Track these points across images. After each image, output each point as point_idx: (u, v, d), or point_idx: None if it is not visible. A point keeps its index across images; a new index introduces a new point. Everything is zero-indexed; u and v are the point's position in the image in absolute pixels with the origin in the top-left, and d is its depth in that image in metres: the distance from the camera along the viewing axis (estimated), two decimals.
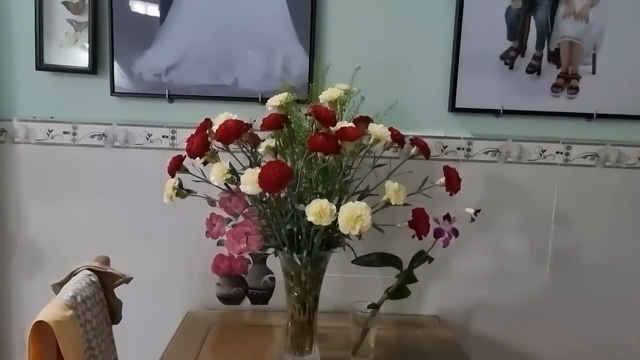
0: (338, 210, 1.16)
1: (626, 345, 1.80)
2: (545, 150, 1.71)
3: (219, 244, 1.70)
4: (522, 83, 1.66)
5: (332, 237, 1.31)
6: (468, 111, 1.68)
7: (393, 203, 1.25)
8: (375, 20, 1.66)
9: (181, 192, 1.33)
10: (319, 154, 1.19)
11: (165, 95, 1.65)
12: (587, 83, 1.67)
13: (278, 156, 1.31)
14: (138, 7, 1.64)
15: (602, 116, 1.68)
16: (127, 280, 1.33)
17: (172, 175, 1.33)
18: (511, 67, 1.65)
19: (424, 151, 1.37)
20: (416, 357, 1.53)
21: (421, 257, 1.40)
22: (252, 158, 1.32)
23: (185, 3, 1.64)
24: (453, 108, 1.66)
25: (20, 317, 1.76)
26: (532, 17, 1.64)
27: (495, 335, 1.78)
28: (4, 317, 1.76)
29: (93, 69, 1.64)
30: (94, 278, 1.28)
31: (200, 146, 1.22)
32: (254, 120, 1.33)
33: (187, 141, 1.26)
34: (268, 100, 1.30)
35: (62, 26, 1.63)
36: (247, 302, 1.77)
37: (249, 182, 1.16)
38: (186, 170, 1.33)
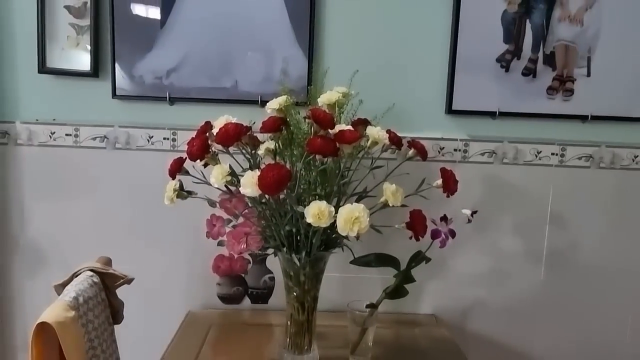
0: (336, 211, 1.16)
1: (620, 344, 1.80)
2: (540, 151, 1.71)
3: (219, 244, 1.69)
4: (518, 85, 1.66)
5: (330, 238, 1.31)
6: (465, 113, 1.68)
7: (391, 204, 1.25)
8: (373, 24, 1.66)
9: (182, 193, 1.33)
10: (317, 156, 1.19)
11: (166, 97, 1.65)
12: (581, 85, 1.67)
13: (277, 158, 1.31)
14: (139, 11, 1.63)
15: (596, 118, 1.68)
16: (129, 281, 1.33)
17: (173, 177, 1.33)
18: (507, 70, 1.65)
19: (422, 153, 1.37)
20: (414, 355, 1.53)
21: (419, 258, 1.40)
22: (251, 160, 1.32)
23: (185, 7, 1.63)
24: (450, 110, 1.66)
25: (23, 317, 1.76)
26: (527, 21, 1.64)
27: (492, 333, 1.78)
28: (7, 317, 1.76)
29: (95, 72, 1.64)
30: (95, 279, 1.28)
31: (200, 149, 1.22)
32: (254, 123, 1.33)
33: (187, 144, 1.25)
34: (267, 104, 1.30)
35: (64, 30, 1.63)
36: (247, 301, 1.77)
37: (249, 185, 1.16)
38: (187, 172, 1.33)
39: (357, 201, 1.34)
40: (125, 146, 1.69)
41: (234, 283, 1.76)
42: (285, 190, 1.18)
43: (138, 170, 1.69)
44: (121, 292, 1.38)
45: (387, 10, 1.65)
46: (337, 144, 1.17)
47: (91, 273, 1.29)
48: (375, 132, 1.25)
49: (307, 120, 1.28)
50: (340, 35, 1.66)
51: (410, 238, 1.29)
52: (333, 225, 1.16)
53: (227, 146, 1.23)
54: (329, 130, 1.19)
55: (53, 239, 1.72)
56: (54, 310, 1.10)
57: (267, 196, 1.21)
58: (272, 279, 1.76)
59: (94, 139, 1.69)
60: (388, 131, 1.30)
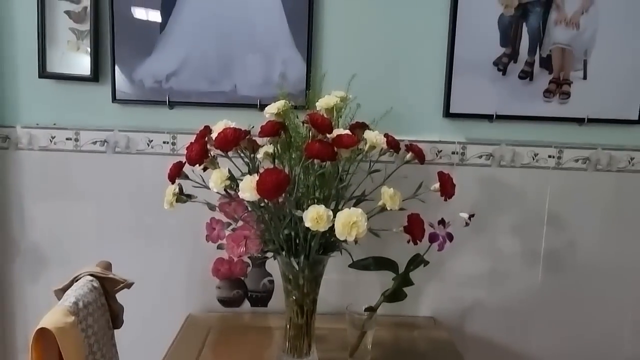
0: (335, 216, 1.15)
1: (618, 344, 1.79)
2: (537, 154, 1.70)
3: (219, 247, 1.70)
4: (515, 88, 1.65)
5: (329, 241, 1.30)
6: (462, 116, 1.67)
7: (389, 208, 1.24)
8: (370, 28, 1.65)
9: (181, 198, 1.32)
10: (315, 161, 1.18)
11: (166, 101, 1.64)
12: (578, 88, 1.66)
13: (276, 162, 1.30)
14: (139, 15, 1.63)
15: (593, 121, 1.68)
16: (129, 286, 1.32)
17: (173, 182, 1.32)
18: (504, 73, 1.65)
19: (419, 157, 1.36)
20: (413, 358, 1.53)
21: (417, 261, 1.40)
22: (250, 164, 1.32)
23: (185, 11, 1.63)
24: (447, 113, 1.66)
25: (24, 321, 1.75)
26: (524, 24, 1.63)
27: (490, 335, 1.78)
28: (8, 320, 1.75)
29: (95, 76, 1.64)
30: (95, 284, 1.27)
31: (199, 154, 1.22)
32: (252, 127, 1.33)
33: (186, 149, 1.25)
34: (266, 108, 1.29)
35: (65, 34, 1.63)
36: (246, 304, 1.76)
37: (248, 189, 1.16)
38: (186, 177, 1.33)
39: (355, 205, 1.34)
40: (125, 150, 1.69)
41: (233, 286, 1.75)
42: (283, 194, 1.18)
43: (138, 174, 1.69)
44: (121, 296, 1.37)
45: (385, 14, 1.65)
46: (335, 149, 1.17)
47: (91, 278, 1.28)
48: (373, 136, 1.25)
49: (305, 124, 1.27)
50: (338, 39, 1.65)
51: (408, 242, 1.28)
52: (331, 229, 1.16)
53: (226, 151, 1.22)
54: (327, 135, 1.19)
55: (54, 243, 1.71)
56: (54, 316, 1.09)
57: (265, 200, 1.20)
58: (272, 282, 1.75)
59: (94, 143, 1.68)
60: (386, 135, 1.30)
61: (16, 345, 1.76)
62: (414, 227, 1.27)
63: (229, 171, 1.27)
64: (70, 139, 1.68)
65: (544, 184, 1.71)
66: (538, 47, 1.64)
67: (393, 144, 1.30)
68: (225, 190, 1.27)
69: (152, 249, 1.72)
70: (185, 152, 1.27)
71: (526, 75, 1.65)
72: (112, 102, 1.65)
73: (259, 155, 1.31)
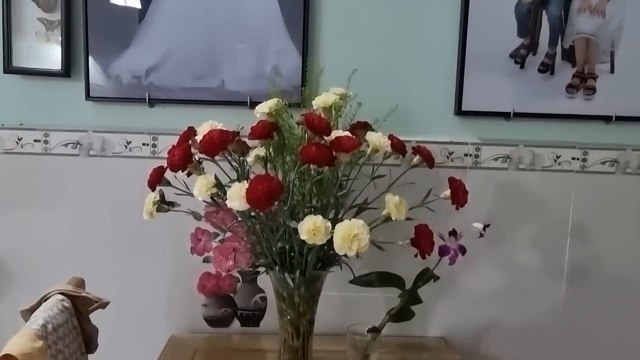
0: (334, 227, 1.16)
1: None
2: (560, 156, 1.70)
3: (205, 260, 1.69)
4: (534, 83, 1.65)
5: (327, 254, 1.31)
6: (475, 114, 1.67)
7: (394, 218, 1.25)
8: (373, 17, 1.65)
9: (162, 207, 1.33)
10: (312, 166, 1.18)
11: (146, 99, 1.64)
12: (604, 83, 1.66)
13: (268, 166, 1.30)
14: (115, 3, 1.62)
15: (621, 119, 1.68)
16: (104, 305, 1.32)
17: (153, 189, 1.33)
18: (522, 67, 1.65)
19: (428, 160, 1.37)
20: None
21: (426, 276, 1.41)
22: (239, 169, 1.32)
23: None
24: (459, 111, 1.66)
25: None
26: (544, 12, 1.63)
27: (507, 358, 1.78)
28: None
29: (66, 71, 1.64)
30: (66, 303, 1.27)
31: (182, 158, 1.22)
32: (242, 128, 1.33)
33: (168, 153, 1.26)
34: (257, 107, 1.30)
35: (32, 25, 1.62)
36: (236, 324, 1.76)
37: (236, 198, 1.17)
38: (168, 183, 1.34)
39: (357, 214, 1.35)
40: (100, 153, 1.68)
41: (221, 304, 1.75)
42: (276, 203, 1.18)
43: (115, 180, 1.68)
44: (95, 317, 1.37)
45: (389, 2, 1.65)
46: (334, 152, 1.17)
47: (62, 297, 1.27)
48: (376, 138, 1.25)
49: (300, 126, 1.27)
50: (338, 29, 1.65)
51: (416, 256, 1.29)
52: (330, 241, 1.16)
53: (212, 155, 1.22)
54: (325, 137, 1.19)
55: (20, 256, 1.71)
56: (20, 340, 1.09)
57: (256, 210, 1.21)
58: (264, 299, 1.75)
59: (66, 145, 1.68)
60: (390, 137, 1.31)
61: None
62: (422, 240, 1.27)
63: (216, 177, 1.27)
64: (39, 141, 1.68)
65: (567, 189, 1.71)
66: (560, 38, 1.64)
67: (398, 147, 1.31)
68: (211, 198, 1.27)
69: (130, 263, 1.71)
70: (167, 156, 1.27)
71: (547, 68, 1.65)
72: (86, 99, 1.65)
73: (249, 158, 1.31)
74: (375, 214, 1.31)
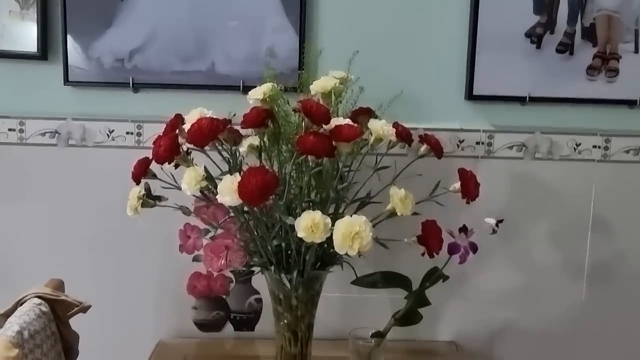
0: (334, 223, 1.16)
1: None
2: (580, 144, 1.70)
3: (195, 259, 1.70)
4: (552, 65, 1.65)
5: (327, 252, 1.31)
6: (488, 99, 1.67)
7: (399, 213, 1.25)
8: None
9: (148, 201, 1.33)
10: (310, 157, 1.18)
11: (129, 83, 1.64)
12: (628, 64, 1.66)
13: (263, 156, 1.30)
14: None
15: None
16: (85, 309, 1.32)
17: (138, 182, 1.33)
18: (538, 47, 1.64)
19: (436, 149, 1.38)
20: None
21: (434, 276, 1.41)
22: (231, 160, 1.32)
23: None
24: (470, 96, 1.66)
25: None
26: None
27: None
28: None
29: (43, 53, 1.63)
30: (44, 308, 1.27)
31: (168, 149, 1.22)
32: (234, 115, 1.33)
33: (153, 143, 1.25)
34: (250, 92, 1.30)
35: (5, 3, 1.62)
36: (229, 328, 1.77)
37: (228, 192, 1.17)
38: (154, 176, 1.34)
39: (359, 208, 1.35)
40: (80, 142, 1.69)
41: (213, 306, 1.75)
42: (272, 197, 1.18)
43: (96, 172, 1.69)
44: (76, 321, 1.37)
45: None
46: (334, 142, 1.17)
47: (39, 300, 1.27)
48: (379, 127, 1.25)
49: (297, 113, 1.27)
50: (338, 7, 1.65)
51: (423, 255, 1.29)
52: (330, 239, 1.16)
53: (201, 146, 1.23)
54: (324, 126, 1.19)
55: None
56: None
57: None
58: (259, 300, 1.75)
59: (43, 134, 1.68)
60: (395, 124, 1.31)
61: None
62: (429, 237, 1.27)
63: (205, 169, 1.27)
64: (14, 130, 1.68)
65: (587, 180, 1.72)
66: (580, 15, 1.64)
67: (404, 135, 1.31)
68: (201, 192, 1.27)
69: (114, 263, 1.72)
70: (152, 146, 1.27)
71: (565, 48, 1.65)
72: (64, 84, 1.65)
73: (242, 148, 1.32)
74: (379, 209, 1.31)
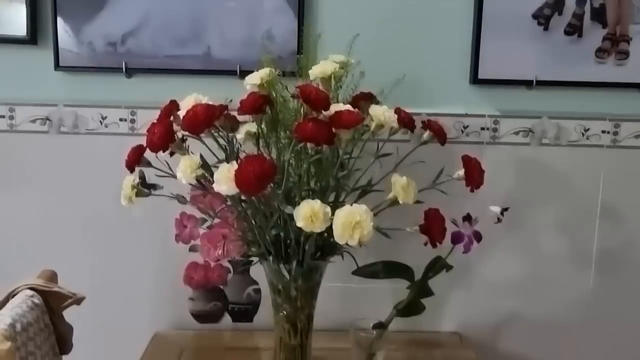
0: (334, 212, 1.16)
1: None
2: (588, 129, 1.71)
3: (192, 249, 1.69)
4: (560, 47, 1.65)
5: (327, 242, 1.31)
6: (494, 83, 1.67)
7: (401, 202, 1.25)
8: None
9: (142, 190, 1.33)
10: (309, 145, 1.18)
11: (122, 68, 1.64)
12: (639, 46, 1.66)
13: (261, 142, 1.31)
14: None
15: None
16: (79, 301, 1.32)
17: (131, 171, 1.33)
18: (546, 28, 1.64)
19: (440, 136, 1.37)
20: None
21: (437, 265, 1.41)
22: (227, 148, 1.32)
23: None
24: (475, 80, 1.66)
25: None
26: None
27: (528, 354, 1.80)
28: None
29: (32, 37, 1.63)
30: (37, 300, 1.27)
31: (162, 137, 1.22)
32: (230, 101, 1.33)
33: (147, 131, 1.26)
34: (246, 78, 1.30)
35: None
36: (227, 319, 1.78)
37: (224, 180, 1.17)
38: (148, 164, 1.34)
39: (360, 197, 1.35)
40: (72, 130, 1.69)
41: (210, 297, 1.76)
42: (270, 186, 1.18)
43: (89, 160, 1.69)
44: (69, 314, 1.38)
45: None
46: (333, 129, 1.17)
47: (31, 292, 1.27)
48: (381, 113, 1.25)
49: (295, 99, 1.27)
50: None
51: (426, 244, 1.29)
52: (330, 228, 1.16)
53: (197, 134, 1.23)
54: (323, 112, 1.19)
55: None
56: None
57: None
58: (258, 291, 1.76)
59: (34, 121, 1.68)
60: (397, 110, 1.30)
61: None
62: (432, 226, 1.28)
63: (202, 157, 1.27)
64: (4, 117, 1.68)
65: (596, 166, 1.72)
66: None
67: (406, 121, 1.31)
68: (197, 180, 1.27)
69: (108, 253, 1.73)
70: (146, 133, 1.27)
71: (574, 30, 1.65)
72: (55, 69, 1.65)
73: (239, 135, 1.32)
74: (380, 197, 1.31)
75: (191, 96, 1.30)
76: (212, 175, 1.23)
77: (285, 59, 1.58)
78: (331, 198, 1.32)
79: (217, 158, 1.32)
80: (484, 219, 1.39)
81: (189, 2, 1.63)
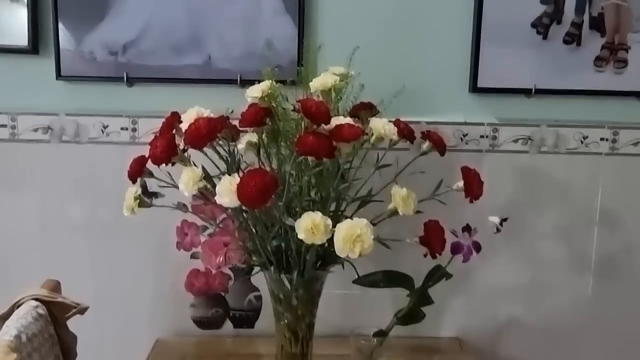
0: (334, 224, 1.17)
1: None
2: (587, 136, 1.72)
3: (193, 256, 1.70)
4: (559, 56, 1.66)
5: (328, 252, 1.32)
6: (493, 91, 1.68)
7: (401, 213, 1.26)
8: None
9: (145, 201, 1.34)
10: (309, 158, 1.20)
11: (123, 78, 1.65)
12: (637, 55, 1.67)
13: (262, 152, 1.32)
14: None
15: None
16: (82, 311, 1.34)
17: (134, 182, 1.34)
18: (545, 37, 1.65)
19: (439, 146, 1.39)
20: None
21: (437, 274, 1.42)
22: (229, 159, 1.33)
23: None
24: (475, 88, 1.67)
25: None
26: None
27: (528, 359, 1.81)
28: None
29: (34, 47, 1.64)
30: (41, 310, 1.29)
31: (165, 151, 1.23)
32: (232, 111, 1.35)
33: (150, 144, 1.27)
34: (247, 90, 1.31)
35: None
36: (228, 325, 1.79)
37: (226, 193, 1.18)
38: (150, 174, 1.35)
39: (361, 207, 1.36)
40: (74, 138, 1.70)
41: (211, 304, 1.77)
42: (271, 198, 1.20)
43: (90, 168, 1.70)
44: (72, 321, 1.38)
45: None
46: (334, 142, 1.18)
47: (36, 303, 1.29)
48: (381, 126, 1.26)
49: (296, 112, 1.28)
50: (338, 0, 1.66)
51: (426, 255, 1.31)
52: (331, 239, 1.17)
53: (199, 148, 1.24)
54: (324, 125, 1.20)
55: None
56: None
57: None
58: (259, 297, 1.77)
59: (36, 130, 1.69)
60: (397, 122, 1.31)
61: None
62: (432, 238, 1.29)
63: (203, 169, 1.28)
64: (6, 126, 1.69)
65: (594, 173, 1.73)
66: (587, 4, 1.65)
67: (406, 133, 1.32)
68: (200, 191, 1.28)
69: (110, 260, 1.73)
70: (148, 146, 1.29)
71: (572, 39, 1.66)
72: (57, 79, 1.66)
73: (240, 145, 1.33)
74: (380, 207, 1.32)
75: (193, 109, 1.31)
76: (214, 186, 1.24)
77: (285, 68, 1.58)
78: (332, 207, 1.33)
79: (218, 168, 1.33)
80: (484, 227, 1.40)
81: (189, 12, 1.64)
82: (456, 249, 1.37)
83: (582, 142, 1.72)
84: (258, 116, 1.25)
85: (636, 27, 1.66)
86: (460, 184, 1.36)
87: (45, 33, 1.65)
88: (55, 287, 1.37)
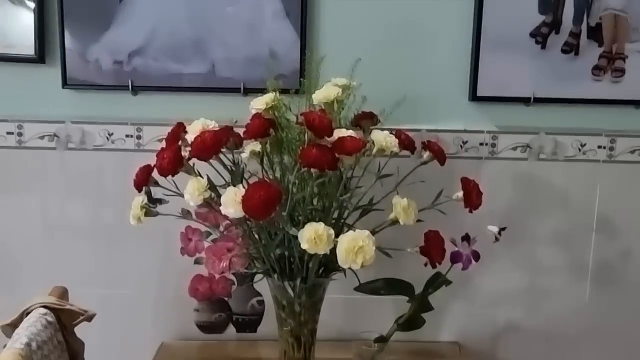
0: (337, 235, 1.20)
1: None
2: (585, 144, 1.73)
3: (197, 262, 1.71)
4: (557, 65, 1.68)
5: (330, 260, 1.34)
6: (492, 100, 1.70)
7: (402, 223, 1.29)
8: None
9: (151, 210, 1.36)
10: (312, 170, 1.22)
11: (128, 86, 1.67)
12: (635, 64, 1.68)
13: (265, 161, 1.34)
14: None
15: None
16: (90, 318, 1.36)
17: (140, 190, 1.36)
18: (543, 47, 1.67)
19: (439, 156, 1.41)
20: None
21: (437, 282, 1.45)
22: (233, 168, 1.36)
23: None
24: (474, 97, 1.69)
25: None
26: None
27: None
28: None
29: (40, 56, 1.66)
30: (50, 317, 1.30)
31: (172, 162, 1.26)
32: (236, 122, 1.37)
33: (156, 156, 1.29)
34: (252, 102, 1.33)
35: (1, 5, 1.65)
36: (231, 330, 1.81)
37: (231, 204, 1.20)
38: (156, 183, 1.37)
39: (362, 216, 1.39)
40: (79, 146, 1.72)
41: (215, 308, 1.80)
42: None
43: (96, 175, 1.72)
44: (79, 326, 1.39)
45: None
46: (337, 154, 1.21)
47: (45, 310, 1.31)
48: (382, 138, 1.28)
49: (299, 124, 1.30)
50: (340, 8, 1.67)
51: (426, 265, 1.34)
52: (334, 247, 1.20)
53: (205, 160, 1.26)
54: (327, 138, 1.23)
55: None
56: None
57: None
58: (262, 302, 1.79)
59: (42, 137, 1.71)
60: (397, 133, 1.34)
61: None
62: (432, 248, 1.32)
63: (209, 179, 1.31)
64: (12, 133, 1.71)
65: (592, 180, 1.75)
66: (585, 14, 1.66)
67: (407, 144, 1.35)
68: (205, 200, 1.30)
69: (115, 265, 1.76)
70: (154, 155, 1.31)
71: (571, 48, 1.67)
72: (63, 87, 1.67)
73: (244, 154, 1.35)
74: (381, 216, 1.35)
75: (198, 121, 1.33)
76: (218, 196, 1.26)
77: (288, 77, 1.61)
78: (334, 215, 1.35)
79: (223, 178, 1.35)
80: (483, 234, 1.43)
81: (193, 21, 1.66)
82: (456, 258, 1.39)
83: (580, 150, 1.74)
84: (262, 128, 1.27)
85: (634, 36, 1.68)
86: (460, 194, 1.38)
87: (51, 43, 1.67)
88: (63, 293, 1.39)
